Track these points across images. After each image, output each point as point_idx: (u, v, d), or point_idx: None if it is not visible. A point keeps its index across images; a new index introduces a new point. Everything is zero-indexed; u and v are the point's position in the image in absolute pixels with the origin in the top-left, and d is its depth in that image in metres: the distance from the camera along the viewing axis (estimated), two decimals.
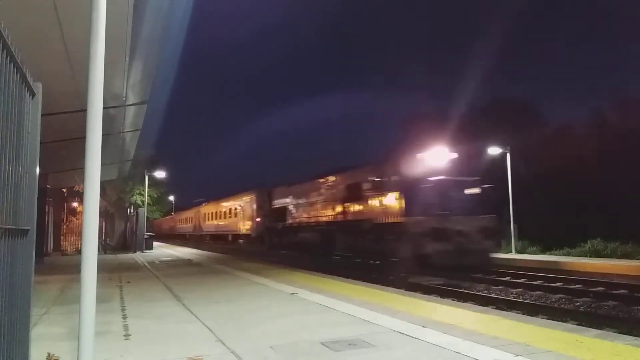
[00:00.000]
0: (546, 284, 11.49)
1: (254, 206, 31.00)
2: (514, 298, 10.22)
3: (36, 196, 3.19)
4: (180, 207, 66.16)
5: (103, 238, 26.28)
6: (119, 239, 28.96)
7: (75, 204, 26.20)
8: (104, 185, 24.22)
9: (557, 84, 72.63)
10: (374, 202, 16.17)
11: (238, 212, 35.02)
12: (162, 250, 27.38)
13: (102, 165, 3.43)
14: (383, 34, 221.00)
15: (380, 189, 15.75)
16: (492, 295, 10.40)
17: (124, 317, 6.06)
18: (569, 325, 5.26)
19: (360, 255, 17.35)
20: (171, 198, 60.49)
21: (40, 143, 3.26)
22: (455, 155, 15.18)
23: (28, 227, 3.01)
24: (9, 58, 2.47)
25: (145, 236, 26.98)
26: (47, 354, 4.00)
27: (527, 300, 10.06)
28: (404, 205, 14.24)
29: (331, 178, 19.99)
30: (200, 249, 29.26)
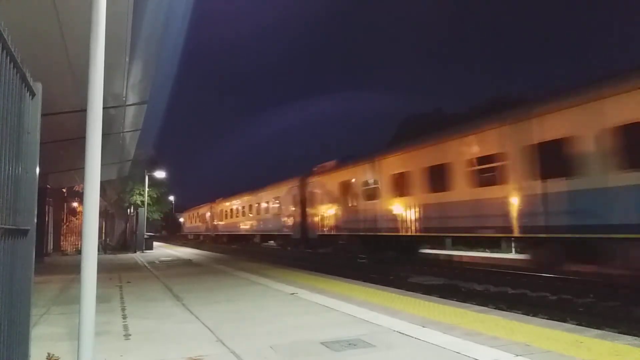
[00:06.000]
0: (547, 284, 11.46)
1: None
2: (514, 298, 10.21)
3: (36, 196, 3.19)
4: (180, 207, 66.19)
5: (103, 238, 26.25)
6: (119, 239, 28.97)
7: (75, 204, 26.19)
8: (104, 185, 24.21)
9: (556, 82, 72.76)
10: None
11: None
12: (162, 250, 27.37)
13: (102, 165, 3.43)
14: (382, 33, 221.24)
15: None
16: (492, 295, 10.39)
17: (124, 317, 6.06)
18: (569, 325, 5.25)
19: None
20: (171, 198, 60.50)
21: (40, 143, 3.26)
22: None
23: (28, 227, 3.01)
24: (9, 58, 2.47)
25: (145, 236, 26.98)
26: (47, 354, 4.00)
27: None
28: None
29: None
30: (201, 249, 29.28)
